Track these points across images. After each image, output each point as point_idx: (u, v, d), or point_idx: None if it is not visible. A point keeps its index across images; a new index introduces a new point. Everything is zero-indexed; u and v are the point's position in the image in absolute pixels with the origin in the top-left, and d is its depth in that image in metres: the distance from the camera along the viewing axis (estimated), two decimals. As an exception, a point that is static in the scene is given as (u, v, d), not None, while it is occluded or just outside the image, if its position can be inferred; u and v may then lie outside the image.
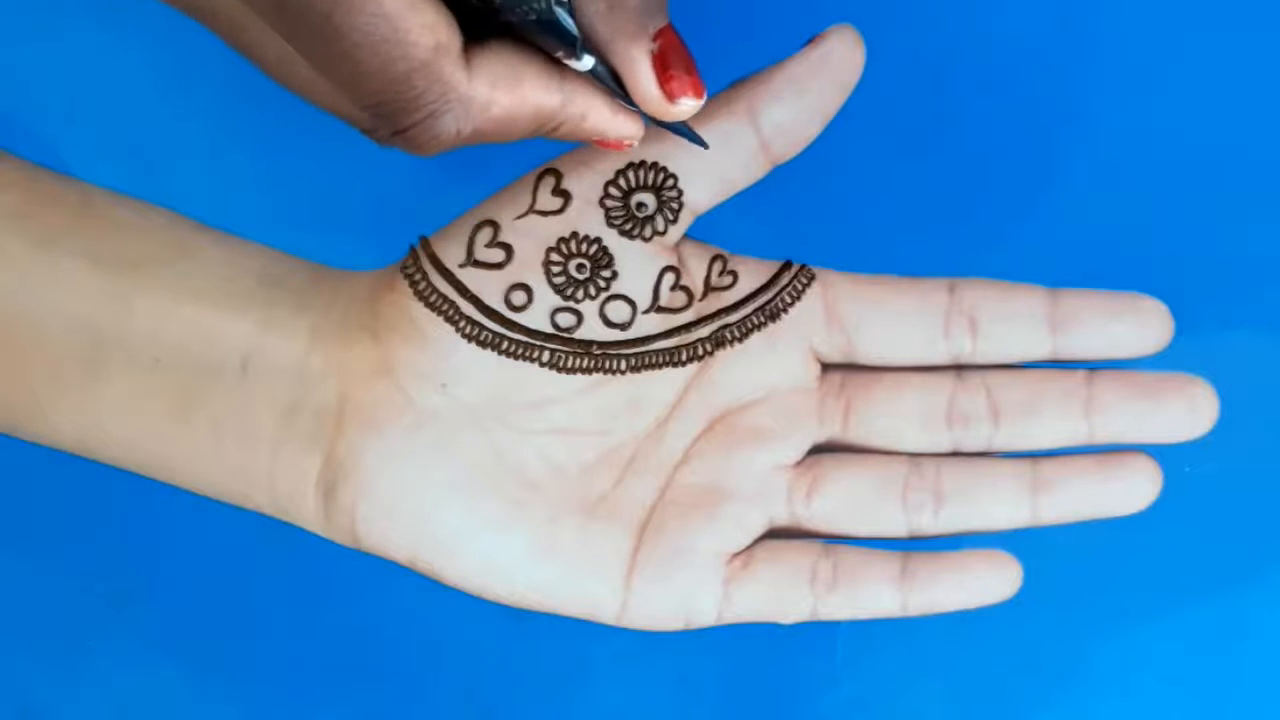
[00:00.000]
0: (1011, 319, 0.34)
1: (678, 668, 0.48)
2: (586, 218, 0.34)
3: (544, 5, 0.27)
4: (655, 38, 0.29)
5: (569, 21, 0.27)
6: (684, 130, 0.32)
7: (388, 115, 0.28)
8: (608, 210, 0.34)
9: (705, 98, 0.30)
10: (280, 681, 0.50)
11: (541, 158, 0.34)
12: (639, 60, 0.29)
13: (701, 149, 0.33)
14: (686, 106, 0.30)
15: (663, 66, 0.29)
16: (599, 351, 0.34)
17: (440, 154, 0.29)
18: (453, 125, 0.29)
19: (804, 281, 0.35)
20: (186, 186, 0.47)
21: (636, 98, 0.30)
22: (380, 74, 0.27)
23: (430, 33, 0.27)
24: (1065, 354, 0.34)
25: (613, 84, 0.30)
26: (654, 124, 0.31)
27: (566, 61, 0.29)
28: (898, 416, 0.35)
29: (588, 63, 0.29)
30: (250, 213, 0.48)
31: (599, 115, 0.30)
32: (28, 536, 0.50)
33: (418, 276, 0.34)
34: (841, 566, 0.34)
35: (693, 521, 0.34)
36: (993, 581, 0.34)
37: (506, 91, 0.29)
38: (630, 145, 0.31)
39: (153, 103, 0.49)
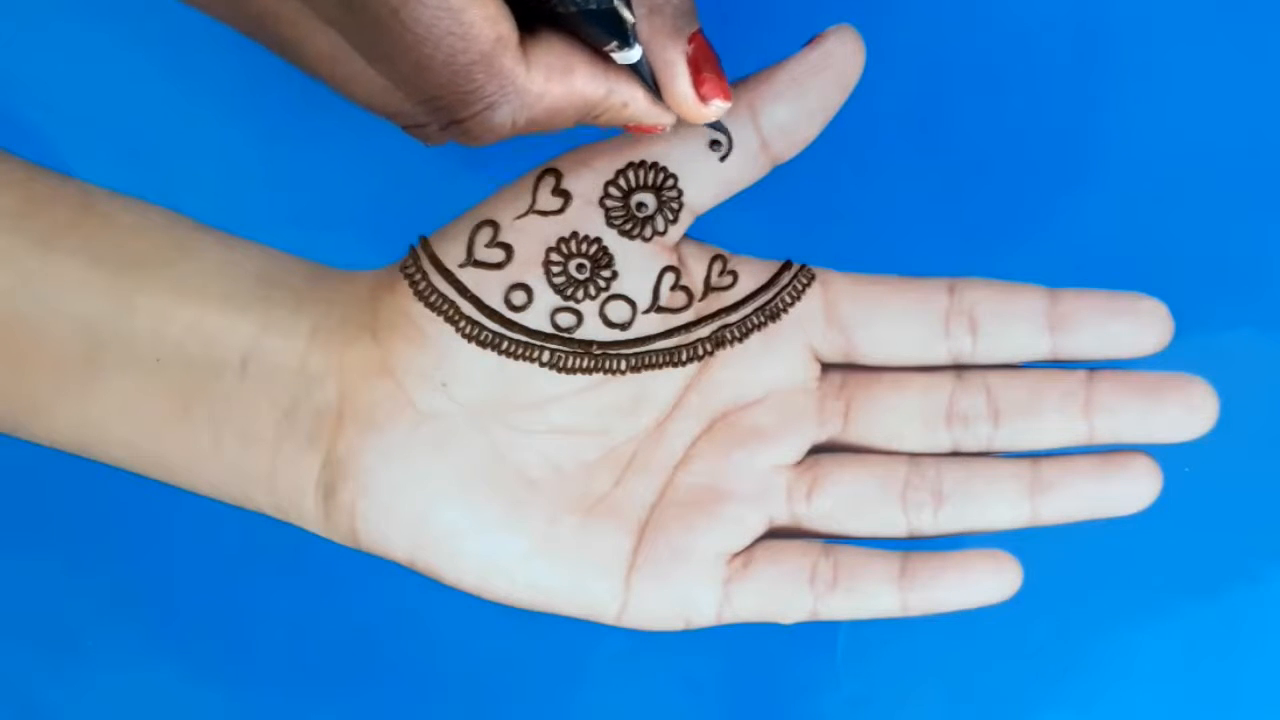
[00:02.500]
0: (1011, 319, 0.34)
1: (678, 668, 0.48)
2: (586, 218, 0.34)
3: None
4: (689, 41, 0.30)
5: (626, 12, 0.28)
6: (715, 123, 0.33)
7: (446, 107, 0.29)
8: (608, 210, 0.34)
9: (731, 101, 0.31)
10: (280, 681, 0.50)
11: (541, 158, 0.34)
12: (676, 63, 0.30)
13: (719, 152, 0.33)
14: (716, 108, 0.31)
15: (696, 70, 0.30)
16: (599, 351, 0.34)
17: (494, 144, 0.30)
18: (509, 116, 0.29)
19: (804, 281, 0.35)
20: (186, 186, 0.47)
21: (671, 99, 0.31)
22: (443, 67, 0.28)
23: (492, 25, 0.28)
24: (1065, 354, 0.34)
25: (650, 82, 0.30)
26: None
27: (613, 54, 0.30)
28: (898, 416, 0.35)
29: (636, 53, 0.30)
30: (250, 213, 0.48)
31: (639, 105, 0.31)
32: (28, 536, 0.50)
33: (418, 276, 0.34)
34: (841, 566, 0.34)
35: (693, 521, 0.34)
36: (993, 581, 0.34)
37: (559, 83, 0.29)
38: (664, 130, 0.32)
39: (153, 102, 0.49)
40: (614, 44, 0.29)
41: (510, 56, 0.28)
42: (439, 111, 0.29)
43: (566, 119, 0.30)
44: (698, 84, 0.30)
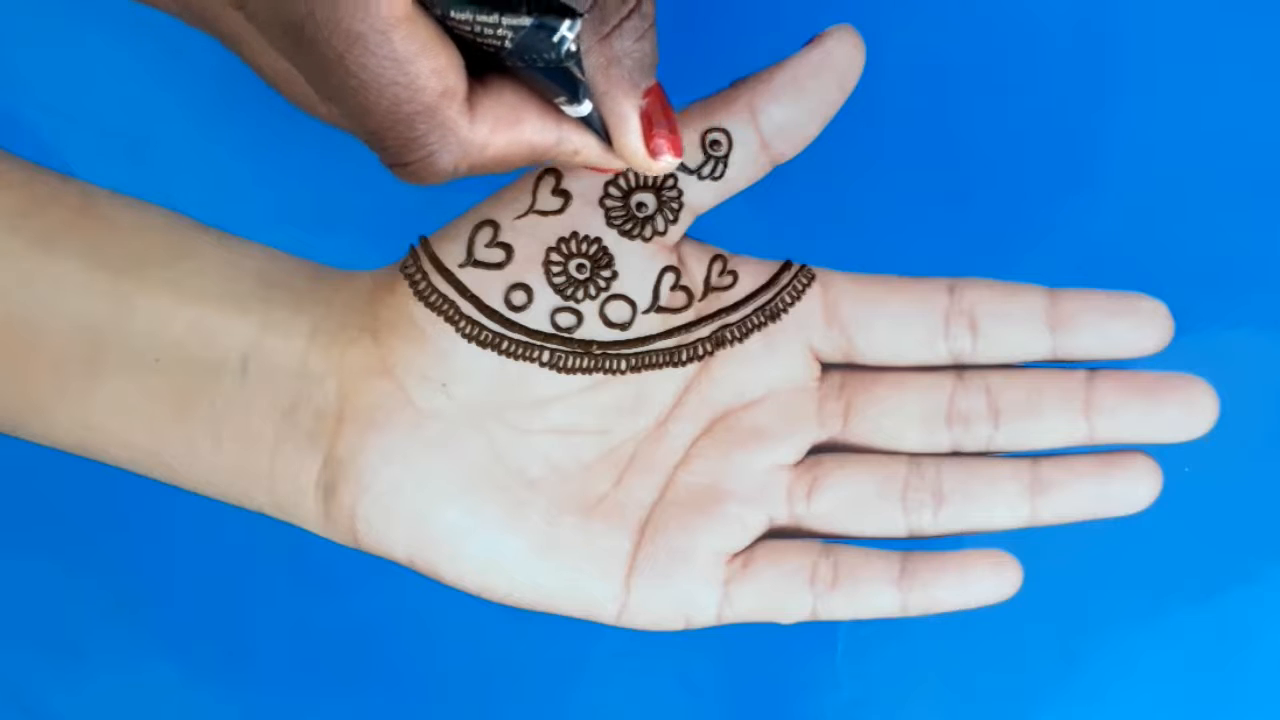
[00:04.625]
0: (1011, 319, 0.34)
1: (677, 668, 0.48)
2: (586, 218, 0.34)
3: (556, 55, 0.27)
4: (644, 95, 0.30)
5: (576, 71, 0.28)
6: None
7: (387, 151, 0.29)
8: (608, 210, 0.34)
9: (683, 157, 0.31)
10: (280, 681, 0.50)
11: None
12: (629, 117, 0.30)
13: (710, 170, 0.34)
14: (666, 163, 0.31)
15: (649, 124, 0.30)
16: (599, 351, 0.34)
17: (436, 185, 0.30)
18: (450, 164, 0.29)
19: (804, 281, 0.35)
20: (187, 187, 0.47)
21: (621, 151, 0.31)
22: (386, 114, 0.28)
23: (439, 78, 0.28)
24: (1065, 354, 0.34)
25: (601, 131, 0.30)
26: None
27: (563, 107, 0.30)
28: (898, 416, 0.35)
29: (586, 108, 0.30)
30: (250, 213, 0.48)
31: (590, 152, 0.31)
32: (28, 536, 0.50)
33: (418, 276, 0.34)
34: (841, 566, 0.34)
35: (693, 521, 0.34)
36: (993, 581, 0.34)
37: (505, 133, 0.29)
38: (618, 172, 0.32)
39: (153, 103, 0.49)
40: (564, 98, 0.29)
41: (455, 109, 0.28)
42: (382, 152, 0.29)
43: (513, 165, 0.30)
44: (648, 138, 0.30)
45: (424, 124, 0.28)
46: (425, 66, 0.27)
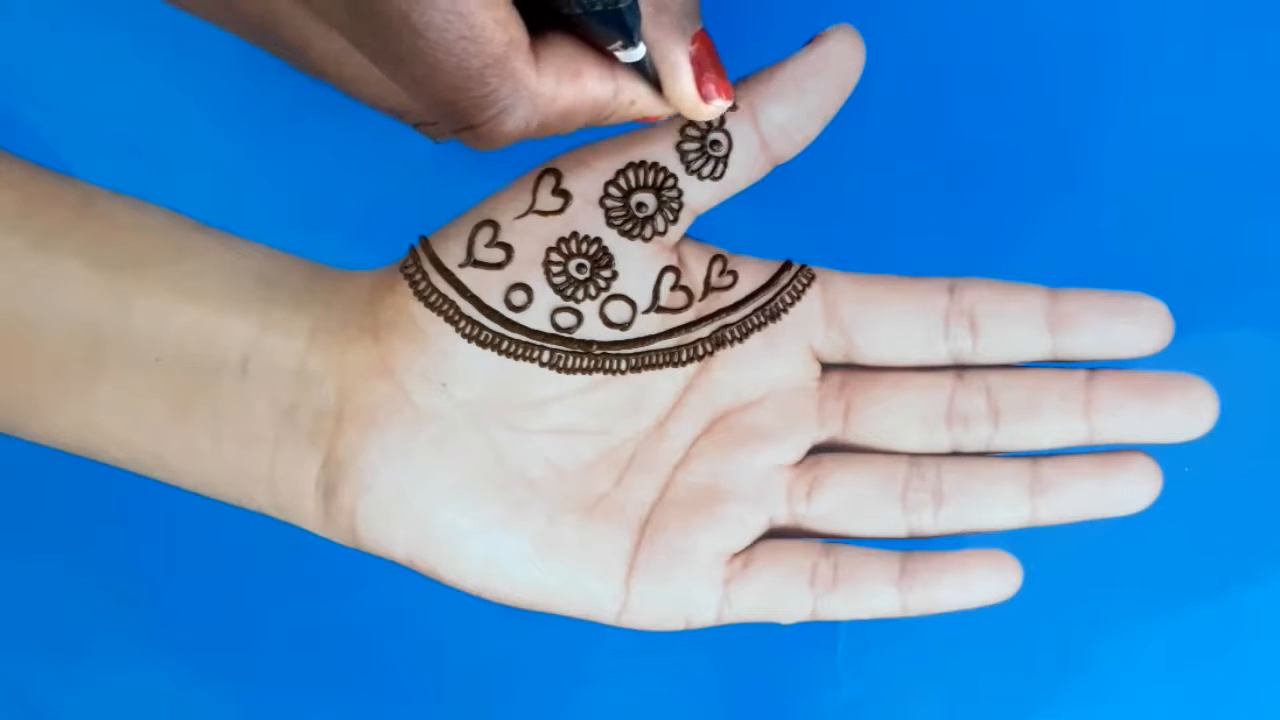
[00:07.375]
0: (1011, 319, 0.34)
1: (678, 668, 0.48)
2: (586, 218, 0.34)
3: None
4: (692, 41, 0.30)
5: (632, 14, 0.28)
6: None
7: (460, 112, 0.29)
8: (608, 210, 0.34)
9: (732, 99, 0.31)
10: (280, 681, 0.50)
11: (542, 157, 0.34)
12: (680, 63, 0.30)
13: (710, 167, 0.34)
14: (717, 107, 0.31)
15: (699, 69, 0.30)
16: (599, 351, 0.34)
17: (505, 147, 0.30)
18: (523, 120, 0.29)
19: (804, 281, 0.35)
20: (186, 186, 0.47)
21: (673, 97, 0.31)
22: (455, 71, 0.28)
23: (503, 29, 0.27)
24: (1065, 354, 0.34)
25: (651, 75, 0.31)
26: None
27: (618, 53, 0.30)
28: (898, 416, 0.35)
29: (641, 51, 0.30)
30: (250, 213, 0.48)
31: (645, 101, 0.31)
32: (28, 536, 0.50)
33: (418, 276, 0.34)
34: (841, 566, 0.34)
35: (693, 521, 0.34)
36: (993, 581, 0.34)
37: (570, 85, 0.30)
38: (666, 118, 0.32)
39: (153, 102, 0.49)
40: (619, 43, 0.29)
41: (522, 59, 0.28)
42: (452, 117, 0.29)
43: (578, 121, 0.30)
44: (700, 83, 0.31)
45: (494, 77, 0.28)
46: (489, 17, 0.27)
